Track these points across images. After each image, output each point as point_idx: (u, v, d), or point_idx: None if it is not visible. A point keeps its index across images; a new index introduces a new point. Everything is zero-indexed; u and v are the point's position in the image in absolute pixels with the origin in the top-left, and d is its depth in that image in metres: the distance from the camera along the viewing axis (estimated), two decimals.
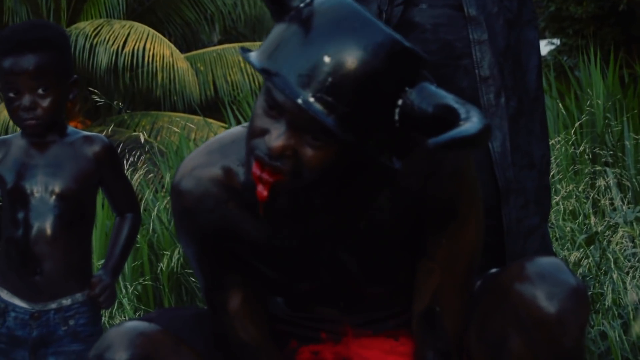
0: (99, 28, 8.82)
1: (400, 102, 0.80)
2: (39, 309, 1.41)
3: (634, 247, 2.34)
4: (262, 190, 0.83)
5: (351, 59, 0.79)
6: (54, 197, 1.42)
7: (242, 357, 1.03)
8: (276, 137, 0.81)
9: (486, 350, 0.96)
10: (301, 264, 0.98)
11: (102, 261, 1.65)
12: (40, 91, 1.36)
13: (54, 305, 1.42)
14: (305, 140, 0.81)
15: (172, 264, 2.93)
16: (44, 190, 1.42)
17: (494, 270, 1.03)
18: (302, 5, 0.81)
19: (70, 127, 1.52)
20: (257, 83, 8.87)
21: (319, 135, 0.80)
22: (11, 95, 1.39)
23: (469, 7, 1.19)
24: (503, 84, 1.20)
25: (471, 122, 0.77)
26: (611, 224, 2.53)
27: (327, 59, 0.78)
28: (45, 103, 1.37)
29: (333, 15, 0.81)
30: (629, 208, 2.69)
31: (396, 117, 0.81)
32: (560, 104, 3.51)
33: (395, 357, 1.03)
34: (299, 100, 0.77)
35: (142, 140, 4.67)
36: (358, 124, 0.80)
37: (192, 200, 0.97)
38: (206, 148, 1.03)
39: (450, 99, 0.80)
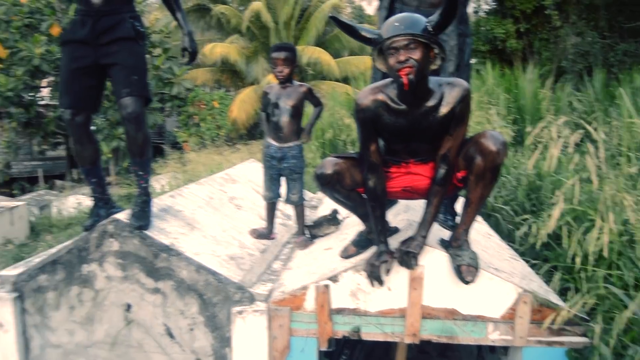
0: (303, 49, 13.86)
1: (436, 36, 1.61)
2: (281, 145, 2.55)
3: None
4: (404, 78, 1.56)
5: (421, 21, 1.61)
6: (288, 106, 2.54)
7: (371, 172, 1.79)
8: (403, 55, 1.57)
9: (465, 163, 1.75)
10: (403, 135, 1.73)
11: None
12: (285, 65, 2.46)
13: (286, 145, 2.55)
14: (409, 53, 1.57)
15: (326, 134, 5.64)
16: (284, 103, 2.54)
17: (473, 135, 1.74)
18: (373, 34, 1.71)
19: (294, 80, 2.55)
20: (365, 69, 12.64)
21: (414, 46, 1.57)
22: (273, 68, 2.47)
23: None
24: (455, 52, 2.23)
25: (439, 14, 1.59)
26: None
27: (414, 19, 1.62)
28: (287, 70, 2.49)
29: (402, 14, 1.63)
30: None
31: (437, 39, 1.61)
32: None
33: (429, 169, 1.82)
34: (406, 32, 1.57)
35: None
36: (429, 39, 1.59)
37: (363, 106, 1.70)
38: (370, 86, 1.72)
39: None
